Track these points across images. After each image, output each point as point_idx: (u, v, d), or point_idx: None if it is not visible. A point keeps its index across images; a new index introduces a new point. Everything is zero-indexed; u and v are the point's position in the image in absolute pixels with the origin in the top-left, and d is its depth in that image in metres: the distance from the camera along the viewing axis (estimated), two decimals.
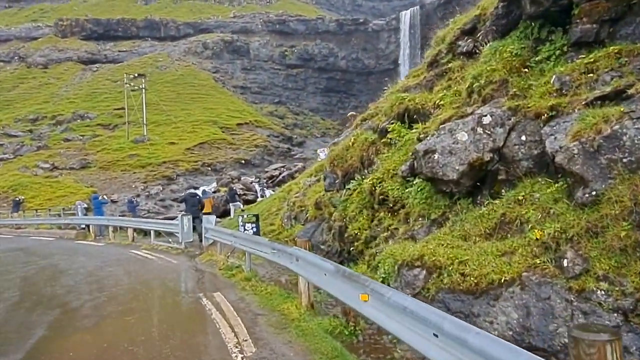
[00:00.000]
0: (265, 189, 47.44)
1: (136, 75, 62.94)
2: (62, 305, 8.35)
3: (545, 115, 5.99)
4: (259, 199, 41.58)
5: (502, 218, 5.89)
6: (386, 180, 8.88)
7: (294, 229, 14.88)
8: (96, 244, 19.17)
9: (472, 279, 5.23)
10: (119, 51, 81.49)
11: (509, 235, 5.62)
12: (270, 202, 21.72)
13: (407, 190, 8.16)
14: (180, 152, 54.01)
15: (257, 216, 13.57)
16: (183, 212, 15.57)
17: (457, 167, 6.65)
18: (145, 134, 57.05)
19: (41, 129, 61.72)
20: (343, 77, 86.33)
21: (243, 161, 55.91)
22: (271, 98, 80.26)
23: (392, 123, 9.47)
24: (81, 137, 57.92)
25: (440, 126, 7.48)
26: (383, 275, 6.53)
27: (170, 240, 16.20)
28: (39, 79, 76.07)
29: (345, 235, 9.34)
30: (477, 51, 8.60)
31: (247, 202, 41.64)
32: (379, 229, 8.74)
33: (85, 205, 24.17)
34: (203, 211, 23.08)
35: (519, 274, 4.90)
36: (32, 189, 43.38)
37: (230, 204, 27.80)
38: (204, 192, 27.32)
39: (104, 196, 30.95)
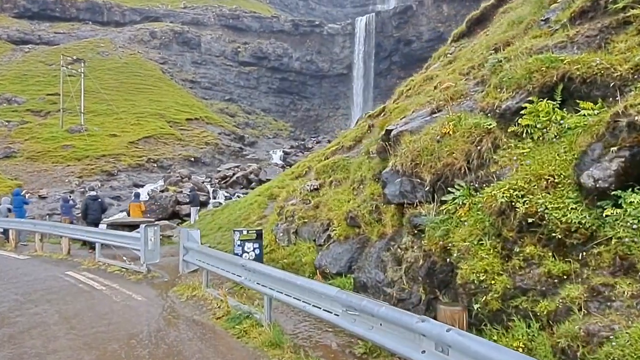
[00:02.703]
0: (218, 189, 42.66)
1: (74, 58, 55.62)
2: None
3: None
4: (212, 201, 36.70)
5: None
6: (537, 193, 5.11)
7: (300, 250, 10.78)
8: (16, 257, 14.00)
9: None
10: (55, 33, 72.76)
11: None
12: (245, 208, 17.37)
13: (610, 214, 4.43)
14: (122, 146, 47.73)
15: (259, 233, 9.35)
16: (146, 224, 10.98)
17: None
18: (82, 123, 50.15)
19: None
20: (296, 79, 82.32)
21: (192, 159, 50.48)
22: (222, 95, 74.73)
23: (529, 101, 5.72)
24: (6, 123, 49.96)
25: None
26: None
27: (125, 258, 11.50)
28: None
29: (457, 279, 5.44)
30: None
31: (200, 204, 36.82)
32: (530, 275, 4.95)
33: (9, 206, 18.55)
34: (131, 217, 18.36)
35: None
36: None
37: (192, 207, 23.11)
38: (135, 193, 22.30)
39: (27, 194, 24.95)
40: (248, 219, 15.90)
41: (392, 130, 7.77)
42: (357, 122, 22.69)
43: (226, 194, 41.16)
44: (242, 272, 6.92)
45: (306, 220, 11.72)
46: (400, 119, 8.84)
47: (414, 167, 6.41)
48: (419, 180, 6.38)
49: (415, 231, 6.44)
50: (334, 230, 9.10)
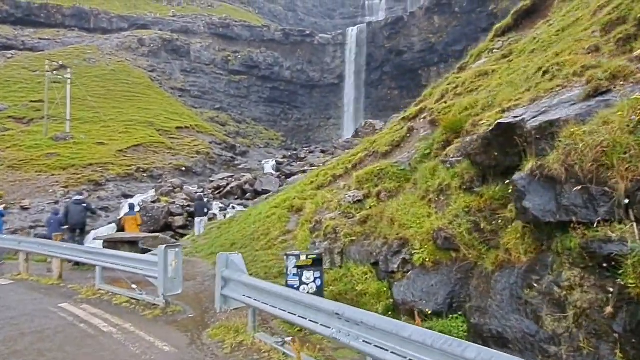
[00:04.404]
0: (211, 200, 40.12)
1: (60, 63, 52.65)
2: None
3: None
4: (210, 214, 34.23)
5: None
6: None
7: (351, 275, 8.63)
8: None
9: None
10: (40, 39, 69.51)
11: None
12: (261, 221, 15.10)
13: None
14: (110, 154, 44.87)
15: (319, 258, 7.16)
16: (166, 245, 8.68)
17: None
18: (68, 131, 47.18)
19: None
20: (287, 88, 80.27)
21: (183, 168, 47.82)
22: (212, 104, 72.19)
23: None
24: None
25: None
26: None
27: (134, 286, 9.14)
28: None
29: None
30: None
31: (192, 214, 34.39)
32: None
33: None
34: (125, 232, 16.19)
35: None
36: None
37: (197, 218, 20.73)
38: (130, 205, 19.89)
39: (3, 206, 22.21)
40: (268, 234, 13.65)
41: (515, 122, 5.70)
42: (383, 126, 20.79)
43: (221, 205, 38.65)
44: (332, 322, 4.73)
45: (354, 238, 9.60)
46: (508, 111, 6.80)
47: (597, 171, 4.33)
48: (602, 189, 4.31)
49: (592, 263, 4.36)
50: (415, 253, 6.97)
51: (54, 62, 52.06)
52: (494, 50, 13.75)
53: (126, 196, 38.95)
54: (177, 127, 56.34)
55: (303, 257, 6.82)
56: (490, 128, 6.38)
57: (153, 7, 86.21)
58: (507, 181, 5.79)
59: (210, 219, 27.81)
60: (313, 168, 43.07)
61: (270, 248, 12.45)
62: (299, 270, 6.73)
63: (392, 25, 78.49)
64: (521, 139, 5.52)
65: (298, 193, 15.96)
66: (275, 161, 58.02)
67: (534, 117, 5.52)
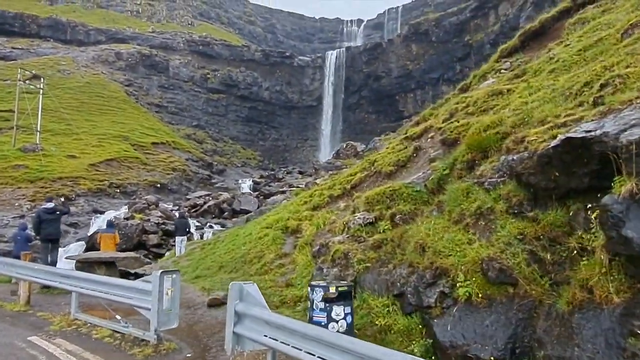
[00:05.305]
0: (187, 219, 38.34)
1: (33, 72, 50.30)
2: None
3: None
4: (192, 232, 32.48)
5: None
6: None
7: (368, 307, 7.54)
8: None
9: None
10: (13, 48, 66.75)
11: None
12: (253, 242, 13.85)
13: None
14: (82, 168, 42.62)
15: (350, 290, 6.05)
16: (163, 270, 7.43)
17: None
18: (38, 142, 44.75)
19: None
20: (265, 108, 79.40)
21: (159, 185, 45.94)
22: (189, 121, 70.49)
23: None
24: None
25: None
26: None
27: (118, 317, 7.76)
28: None
29: None
30: None
31: (167, 233, 32.63)
32: None
33: None
34: (101, 250, 14.80)
35: None
36: None
37: (177, 237, 19.23)
38: (109, 222, 18.34)
39: None
40: (262, 257, 12.43)
41: (592, 137, 4.84)
42: (375, 145, 19.98)
43: (197, 224, 36.94)
44: None
45: (369, 265, 8.55)
46: (564, 127, 5.96)
47: None
48: None
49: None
50: (460, 286, 5.96)
51: (27, 71, 49.72)
52: (502, 71, 13.18)
53: (97, 212, 36.89)
54: (153, 143, 54.46)
55: (332, 289, 5.71)
56: (554, 144, 5.50)
57: (132, 22, 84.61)
58: (590, 205, 4.88)
59: (187, 239, 26.28)
60: (292, 189, 41.96)
61: (267, 273, 11.24)
62: (327, 304, 5.61)
63: (371, 51, 79.17)
64: (599, 156, 4.65)
65: (292, 213, 14.82)
66: (253, 181, 56.60)
67: (621, 131, 4.66)
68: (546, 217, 5.73)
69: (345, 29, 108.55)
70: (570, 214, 5.61)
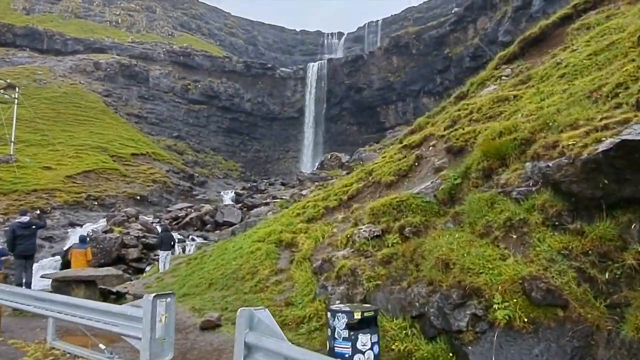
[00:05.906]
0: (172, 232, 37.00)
1: (7, 81, 48.41)
2: None
3: None
4: (177, 246, 31.17)
5: None
6: None
7: (382, 329, 6.76)
8: None
9: None
10: None
11: None
12: (244, 257, 12.92)
13: None
14: (58, 180, 40.90)
15: (375, 315, 5.27)
16: (156, 294, 6.52)
17: None
18: (12, 153, 42.87)
19: None
20: (247, 120, 78.42)
21: (138, 197, 44.40)
22: (169, 132, 68.95)
23: None
24: None
25: None
26: None
27: (104, 347, 6.79)
28: None
29: None
30: None
31: (147, 246, 31.34)
32: None
33: None
34: (72, 268, 13.81)
35: None
36: None
37: (161, 251, 18.13)
38: (81, 237, 17.21)
39: None
40: (256, 273, 11.52)
41: None
42: (372, 154, 19.34)
43: (179, 237, 35.64)
44: None
45: (379, 282, 7.83)
46: (606, 129, 5.36)
47: None
48: None
49: None
50: (497, 308, 5.24)
51: (1, 80, 47.86)
52: (503, 77, 12.72)
53: (74, 225, 35.30)
54: (133, 154, 52.87)
55: (357, 314, 4.93)
56: (603, 148, 4.88)
57: (111, 32, 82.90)
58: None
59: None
60: (276, 200, 41.07)
61: (262, 291, 10.36)
62: (352, 333, 4.82)
63: (352, 63, 79.16)
64: None
65: (284, 226, 13.96)
66: (235, 192, 55.39)
67: None
68: (593, 230, 5.09)
69: (326, 41, 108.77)
70: (621, 225, 5.00)
